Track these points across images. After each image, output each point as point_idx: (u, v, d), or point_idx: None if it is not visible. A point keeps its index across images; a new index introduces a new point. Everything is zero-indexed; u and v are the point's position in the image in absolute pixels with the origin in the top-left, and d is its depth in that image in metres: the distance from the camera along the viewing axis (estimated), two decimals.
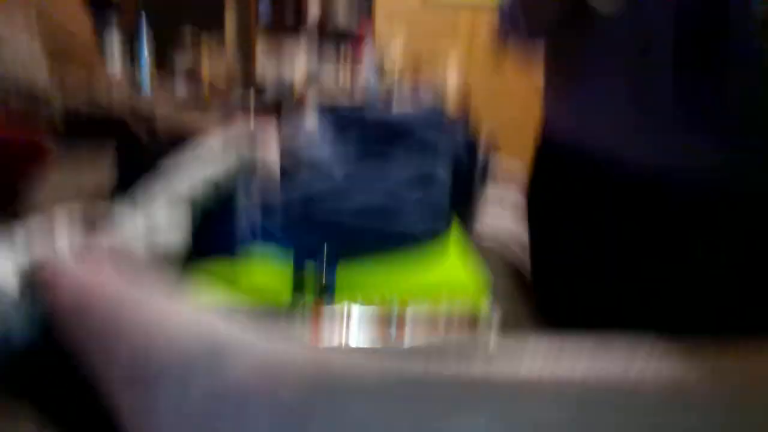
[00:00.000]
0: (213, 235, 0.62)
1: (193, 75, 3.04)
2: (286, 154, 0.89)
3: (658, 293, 0.65)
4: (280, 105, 3.23)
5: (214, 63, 3.12)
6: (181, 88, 2.64)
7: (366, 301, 0.59)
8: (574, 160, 0.73)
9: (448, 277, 0.67)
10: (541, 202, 0.80)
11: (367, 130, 0.89)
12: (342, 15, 3.65)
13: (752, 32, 0.56)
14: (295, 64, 3.30)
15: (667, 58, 0.61)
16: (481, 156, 0.93)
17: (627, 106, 0.65)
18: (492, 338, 0.55)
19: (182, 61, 3.07)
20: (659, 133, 0.63)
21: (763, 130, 0.59)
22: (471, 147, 0.89)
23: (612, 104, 0.66)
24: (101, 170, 0.84)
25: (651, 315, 0.63)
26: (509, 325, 0.58)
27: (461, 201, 0.87)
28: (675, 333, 0.52)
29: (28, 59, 1.29)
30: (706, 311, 0.63)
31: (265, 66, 3.55)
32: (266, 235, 0.68)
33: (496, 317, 0.55)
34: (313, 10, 3.57)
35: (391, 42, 3.88)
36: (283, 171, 0.82)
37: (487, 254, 0.81)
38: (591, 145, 0.70)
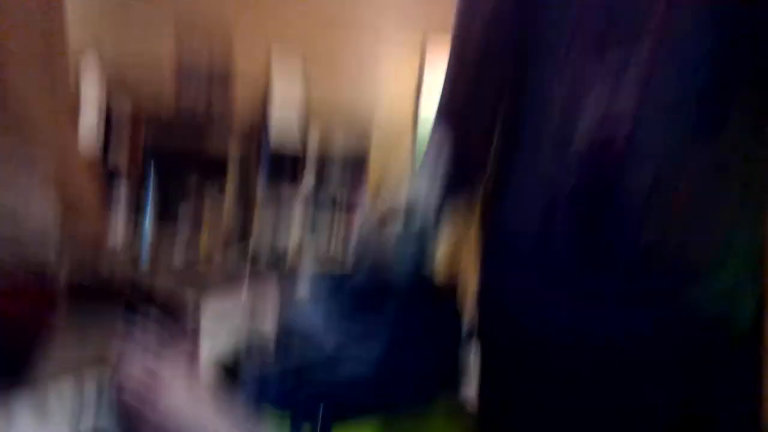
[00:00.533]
0: None
1: (194, 227, 3.13)
2: (279, 324, 0.91)
3: None
4: (275, 270, 3.31)
5: (215, 217, 3.26)
6: (180, 252, 2.73)
7: None
8: (497, 323, 0.80)
9: None
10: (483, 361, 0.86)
11: (358, 298, 0.90)
12: (336, 182, 3.84)
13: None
14: (291, 228, 3.44)
15: (568, 234, 0.68)
16: (467, 322, 0.94)
17: (532, 270, 0.72)
18: None
19: (185, 213, 3.20)
20: (566, 302, 0.69)
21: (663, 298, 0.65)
22: (458, 314, 0.90)
23: (520, 269, 0.74)
24: (106, 339, 0.86)
25: None
26: None
27: (450, 367, 0.88)
28: None
29: (42, 236, 1.35)
30: None
31: (263, 222, 3.66)
32: (264, 398, 0.70)
33: None
34: (309, 177, 3.77)
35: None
36: (278, 341, 0.85)
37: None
38: (505, 308, 0.77)
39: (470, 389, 0.91)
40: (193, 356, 0.55)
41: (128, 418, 0.47)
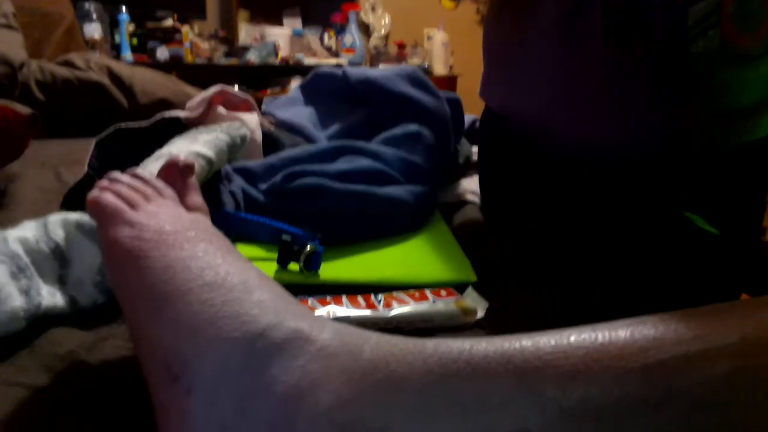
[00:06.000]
0: None
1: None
2: (268, 121, 0.89)
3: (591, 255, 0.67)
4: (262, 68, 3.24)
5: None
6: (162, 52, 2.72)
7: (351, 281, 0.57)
8: (510, 129, 0.75)
9: (433, 256, 0.65)
10: (486, 164, 0.84)
11: (349, 92, 0.88)
12: None
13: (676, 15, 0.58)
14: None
15: (593, 33, 0.61)
16: (465, 118, 0.93)
17: (554, 79, 0.66)
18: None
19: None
20: (585, 106, 0.64)
21: (685, 107, 0.61)
22: (456, 107, 0.89)
23: (541, 77, 0.68)
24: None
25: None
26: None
27: (445, 164, 0.86)
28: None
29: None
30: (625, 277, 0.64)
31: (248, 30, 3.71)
32: (250, 205, 0.67)
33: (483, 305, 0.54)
34: None
35: (376, 0, 4.03)
36: (267, 139, 0.81)
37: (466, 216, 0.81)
38: (522, 115, 0.72)
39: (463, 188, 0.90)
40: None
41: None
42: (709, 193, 0.68)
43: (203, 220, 0.43)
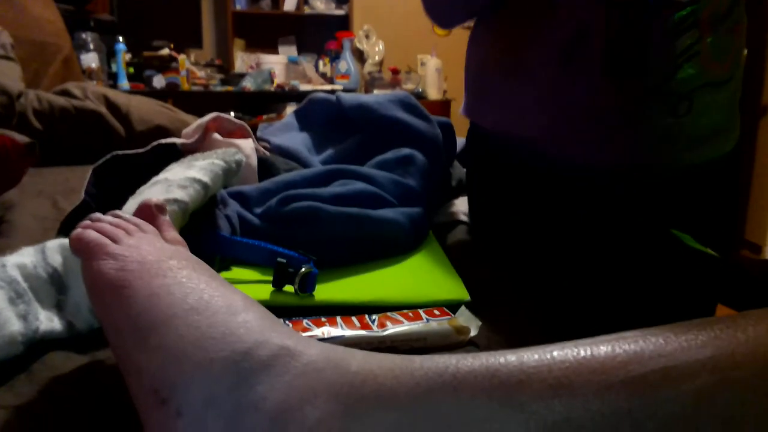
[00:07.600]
0: (195, 236, 0.55)
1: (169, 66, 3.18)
2: (263, 146, 0.90)
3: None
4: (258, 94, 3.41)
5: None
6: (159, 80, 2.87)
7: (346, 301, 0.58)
8: (497, 149, 0.77)
9: (426, 276, 0.66)
10: (475, 182, 0.85)
11: (343, 117, 0.89)
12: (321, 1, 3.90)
13: (668, 49, 0.62)
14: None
15: (594, 61, 0.64)
16: (458, 140, 0.94)
17: (553, 104, 0.68)
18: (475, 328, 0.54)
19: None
20: (583, 130, 0.67)
21: (676, 128, 0.65)
22: (448, 131, 0.90)
23: (538, 101, 0.69)
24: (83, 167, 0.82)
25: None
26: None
27: (437, 186, 0.86)
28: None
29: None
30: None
31: (243, 58, 3.76)
32: (246, 229, 0.68)
33: (475, 324, 0.54)
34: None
35: (370, 28, 4.06)
36: (262, 164, 0.82)
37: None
38: (517, 137, 0.73)
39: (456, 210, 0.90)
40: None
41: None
42: (688, 207, 0.71)
43: (184, 251, 0.45)
